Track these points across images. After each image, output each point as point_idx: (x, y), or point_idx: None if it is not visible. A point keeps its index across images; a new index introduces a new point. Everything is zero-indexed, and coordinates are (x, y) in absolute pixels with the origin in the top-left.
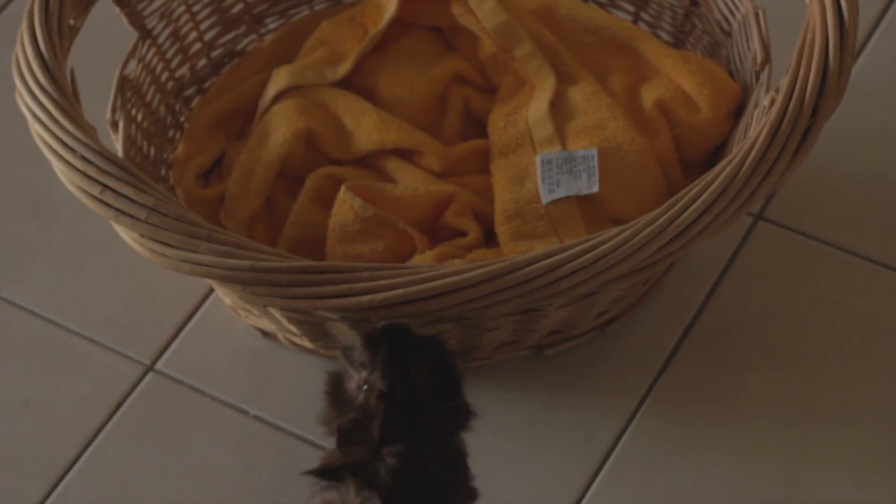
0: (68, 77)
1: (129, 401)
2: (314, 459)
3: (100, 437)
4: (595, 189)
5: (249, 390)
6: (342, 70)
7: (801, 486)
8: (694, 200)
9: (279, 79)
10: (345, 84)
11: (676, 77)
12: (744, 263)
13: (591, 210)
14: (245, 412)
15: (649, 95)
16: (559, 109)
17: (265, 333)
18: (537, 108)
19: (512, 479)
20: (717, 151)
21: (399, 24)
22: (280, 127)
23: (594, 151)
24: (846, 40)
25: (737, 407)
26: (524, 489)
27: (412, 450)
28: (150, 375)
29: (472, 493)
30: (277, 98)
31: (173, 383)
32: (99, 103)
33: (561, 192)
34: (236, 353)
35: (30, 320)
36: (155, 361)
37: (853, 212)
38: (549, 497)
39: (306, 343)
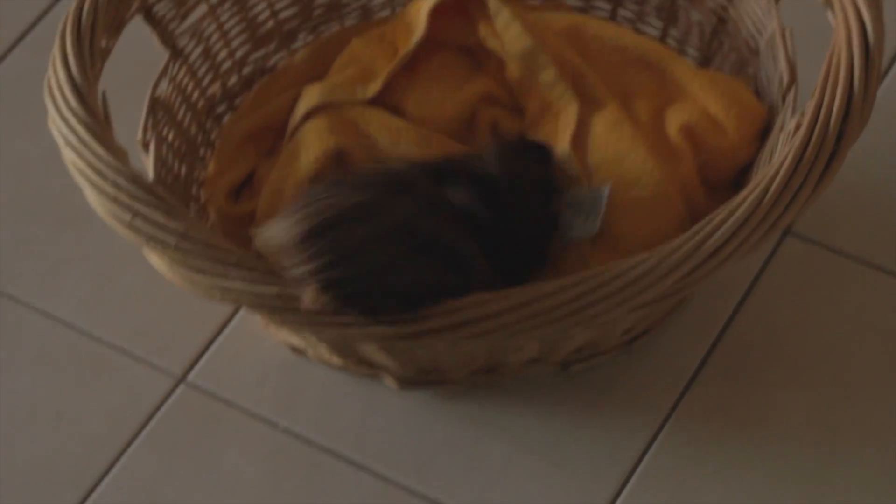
0: (100, 100)
1: (160, 413)
2: (342, 473)
3: (131, 449)
4: (594, 231)
5: (279, 403)
6: (373, 89)
7: None
8: (718, 228)
9: (309, 97)
10: (375, 102)
11: (703, 99)
12: (771, 279)
13: (607, 243)
14: (275, 425)
15: (675, 120)
16: (581, 141)
17: (295, 349)
18: (560, 145)
19: (537, 494)
20: (743, 172)
21: (429, 43)
22: (311, 146)
23: (604, 193)
24: (872, 65)
25: (762, 425)
26: None
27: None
28: (181, 387)
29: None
30: (308, 116)
31: (204, 395)
32: (130, 122)
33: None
34: (266, 366)
35: (64, 331)
36: (186, 374)
37: (882, 227)
38: None
39: (336, 360)
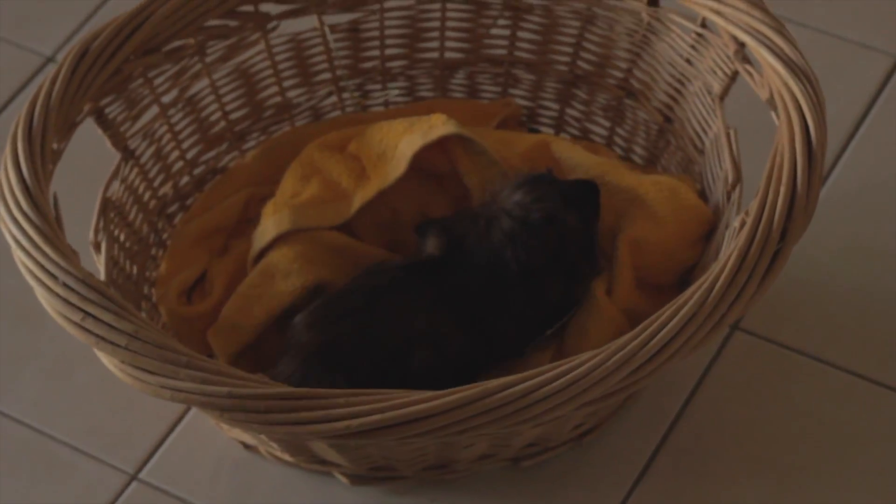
0: (51, 202)
1: None
2: None
3: None
4: None
5: (232, 500)
6: (345, 215)
7: None
8: (665, 325)
9: (279, 219)
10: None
11: (650, 205)
12: (720, 373)
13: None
14: None
15: (623, 233)
16: None
17: (247, 446)
18: None
19: None
20: (689, 271)
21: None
22: (290, 276)
23: None
24: (814, 164)
25: None
26: None
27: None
28: (134, 484)
29: None
30: (279, 238)
31: (157, 493)
32: (82, 224)
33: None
34: (219, 463)
35: (17, 429)
36: (139, 471)
37: (828, 322)
38: None
39: (287, 457)
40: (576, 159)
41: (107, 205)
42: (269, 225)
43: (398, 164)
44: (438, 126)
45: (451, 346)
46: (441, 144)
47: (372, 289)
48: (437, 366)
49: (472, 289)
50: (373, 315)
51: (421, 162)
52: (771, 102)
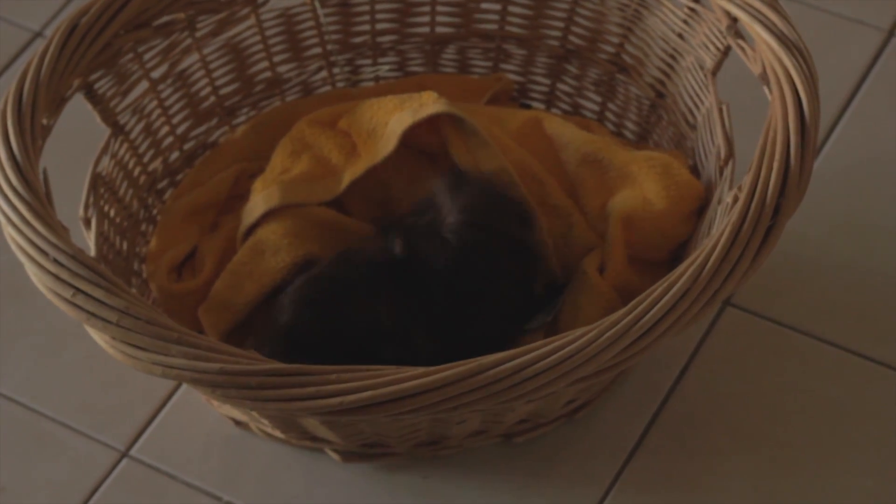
0: (41, 177)
1: (103, 487)
2: None
3: None
4: (548, 319)
5: (223, 477)
6: (335, 191)
7: None
8: (657, 301)
9: (268, 195)
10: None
11: (641, 182)
12: (711, 349)
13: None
14: (219, 498)
15: (616, 211)
16: None
17: (238, 423)
18: None
19: None
20: (681, 247)
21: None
22: (280, 251)
23: (563, 291)
24: (807, 139)
25: (706, 493)
26: None
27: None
28: (124, 461)
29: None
30: (268, 214)
31: (148, 469)
32: (72, 199)
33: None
34: (210, 440)
35: (7, 406)
36: (130, 447)
37: (820, 298)
38: None
39: (278, 434)
40: (568, 136)
41: (96, 180)
42: (259, 200)
43: (388, 142)
44: (429, 104)
45: (419, 343)
46: (432, 123)
47: (342, 279)
48: (408, 362)
49: (434, 289)
50: (340, 307)
51: (412, 139)
52: (763, 77)
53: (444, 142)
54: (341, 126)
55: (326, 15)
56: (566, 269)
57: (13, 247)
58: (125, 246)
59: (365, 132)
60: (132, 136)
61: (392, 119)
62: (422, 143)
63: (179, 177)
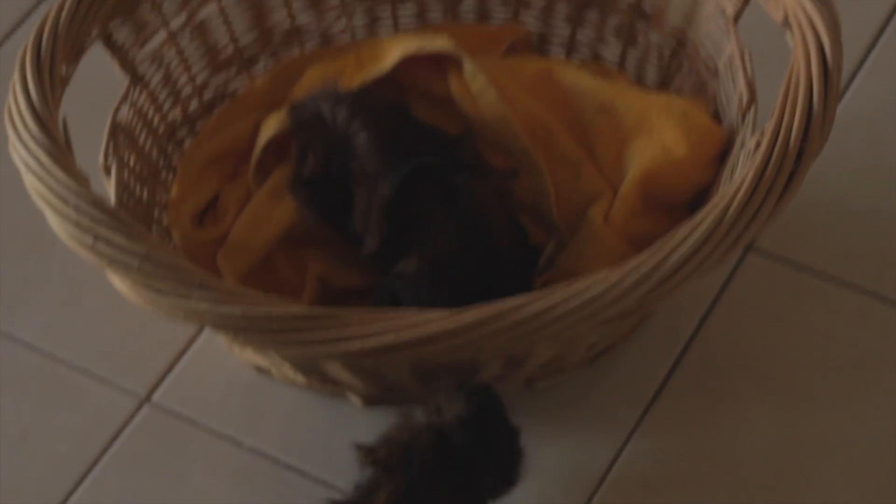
0: (60, 126)
1: (125, 433)
2: (307, 491)
3: (96, 470)
4: None
5: (244, 423)
6: None
7: None
8: (680, 244)
9: (268, 126)
10: None
11: (660, 129)
12: (733, 295)
13: None
14: (240, 444)
15: (636, 162)
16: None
17: (259, 369)
18: None
19: None
20: (703, 192)
21: (392, 86)
22: None
23: None
24: (830, 84)
25: (727, 438)
26: None
27: None
28: (145, 408)
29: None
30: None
31: (169, 415)
32: (92, 148)
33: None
34: (231, 386)
35: (27, 354)
36: (151, 394)
37: (843, 243)
38: None
39: (300, 379)
40: (581, 86)
41: (116, 129)
42: (272, 122)
43: (387, 62)
44: (440, 42)
45: None
46: (440, 66)
47: None
48: None
49: None
50: None
51: (420, 82)
52: (785, 24)
53: (450, 89)
54: (348, 72)
55: None
56: (577, 216)
57: (33, 194)
58: (145, 194)
59: (373, 55)
60: (151, 85)
61: (393, 49)
62: (423, 84)
63: (198, 126)
